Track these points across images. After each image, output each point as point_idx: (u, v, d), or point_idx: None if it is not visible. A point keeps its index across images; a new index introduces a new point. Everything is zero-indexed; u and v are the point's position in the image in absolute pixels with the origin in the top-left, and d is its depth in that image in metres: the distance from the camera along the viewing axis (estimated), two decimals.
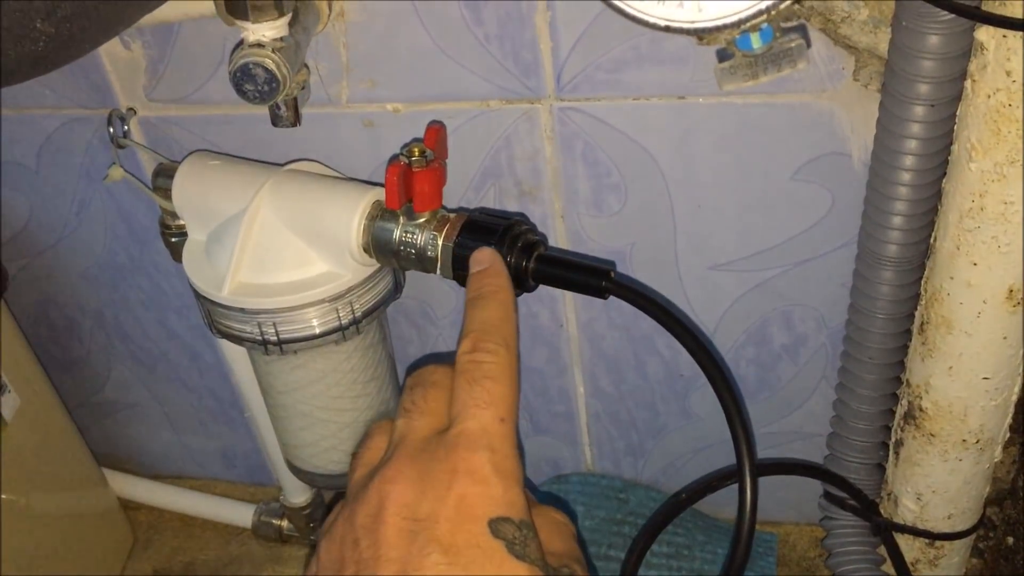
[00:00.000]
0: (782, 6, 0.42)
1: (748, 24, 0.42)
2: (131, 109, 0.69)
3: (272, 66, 0.51)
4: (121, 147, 0.69)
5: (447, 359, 0.40)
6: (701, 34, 0.47)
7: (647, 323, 0.75)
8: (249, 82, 0.52)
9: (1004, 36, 0.45)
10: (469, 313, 0.41)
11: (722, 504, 0.85)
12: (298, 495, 0.87)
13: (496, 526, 0.33)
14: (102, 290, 0.83)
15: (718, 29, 0.42)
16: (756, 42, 0.43)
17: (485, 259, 0.47)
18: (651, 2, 0.42)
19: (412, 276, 0.71)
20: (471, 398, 0.36)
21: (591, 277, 0.53)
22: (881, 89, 0.56)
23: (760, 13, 0.41)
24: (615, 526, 0.81)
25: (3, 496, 0.77)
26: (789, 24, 0.50)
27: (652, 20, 0.43)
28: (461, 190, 0.69)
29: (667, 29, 0.43)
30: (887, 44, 0.54)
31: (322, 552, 0.36)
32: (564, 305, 0.75)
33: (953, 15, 0.47)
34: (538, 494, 0.81)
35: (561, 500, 0.83)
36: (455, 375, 0.38)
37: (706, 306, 0.73)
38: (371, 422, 0.70)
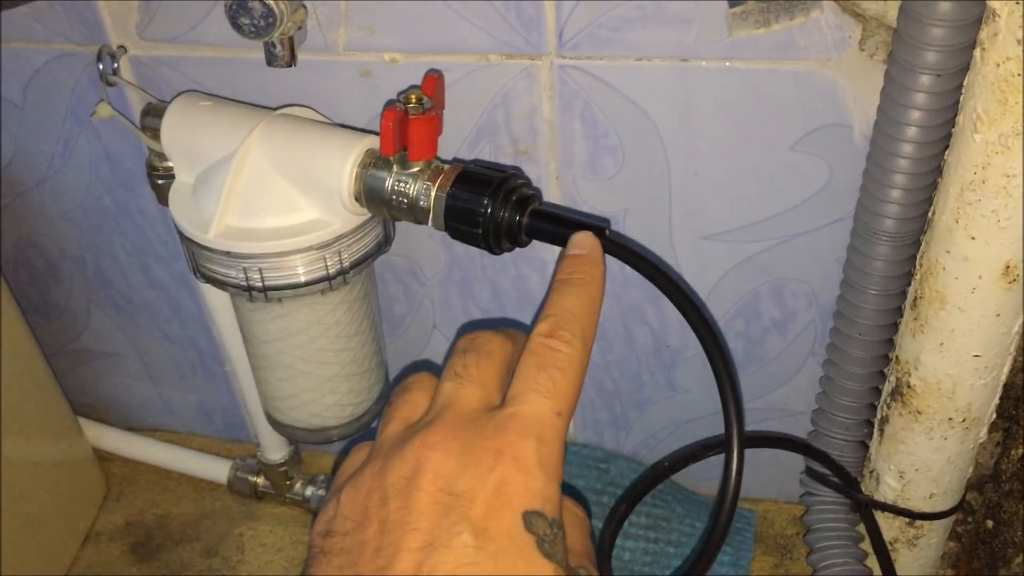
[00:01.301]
0: None
1: None
2: (122, 47, 0.68)
3: (269, 0, 0.50)
4: (110, 84, 0.67)
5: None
6: None
7: (637, 292, 0.74)
8: (245, 15, 0.51)
9: (1018, 3, 0.45)
10: (554, 296, 0.39)
11: (701, 478, 0.85)
12: (275, 452, 0.86)
13: (530, 519, 0.32)
14: (84, 234, 0.82)
15: None
16: None
17: (586, 244, 0.44)
18: None
19: (402, 234, 0.70)
20: (535, 382, 0.35)
21: None
22: (887, 59, 0.55)
23: None
24: (595, 495, 0.81)
25: None
26: None
27: None
28: (455, 146, 0.68)
29: None
30: (896, 13, 0.53)
31: (344, 497, 0.34)
32: (552, 268, 0.74)
33: None
34: None
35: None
36: (524, 354, 0.36)
37: (698, 277, 0.72)
38: (353, 377, 0.69)
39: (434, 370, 0.40)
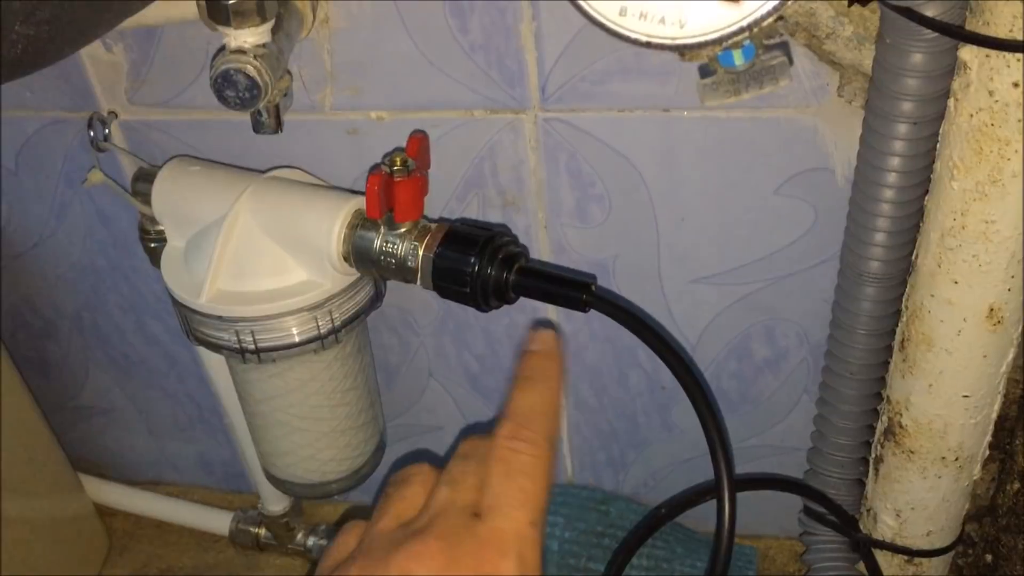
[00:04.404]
0: (764, 24, 0.42)
1: (730, 41, 0.42)
2: (112, 112, 0.69)
3: (253, 73, 0.51)
4: (101, 151, 0.68)
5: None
6: (683, 51, 0.47)
7: (629, 335, 0.75)
8: (230, 88, 0.52)
9: (987, 56, 0.45)
10: (516, 395, 0.39)
11: (703, 517, 0.85)
12: (276, 503, 0.86)
13: None
14: (80, 294, 0.82)
15: (699, 46, 0.42)
16: (738, 59, 0.43)
17: (546, 341, 0.44)
18: (633, 19, 0.42)
19: (395, 285, 0.71)
20: (504, 493, 0.35)
21: (572, 290, 0.53)
22: (865, 106, 0.56)
23: (742, 31, 0.41)
24: (595, 538, 0.81)
25: None
26: (772, 41, 0.50)
27: (634, 36, 0.43)
28: (444, 199, 0.69)
29: (648, 45, 0.43)
30: (871, 61, 0.54)
31: None
32: (547, 316, 0.75)
33: (937, 33, 0.47)
34: None
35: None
36: (491, 460, 0.36)
37: (688, 319, 0.73)
38: (349, 431, 0.70)
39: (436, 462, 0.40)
